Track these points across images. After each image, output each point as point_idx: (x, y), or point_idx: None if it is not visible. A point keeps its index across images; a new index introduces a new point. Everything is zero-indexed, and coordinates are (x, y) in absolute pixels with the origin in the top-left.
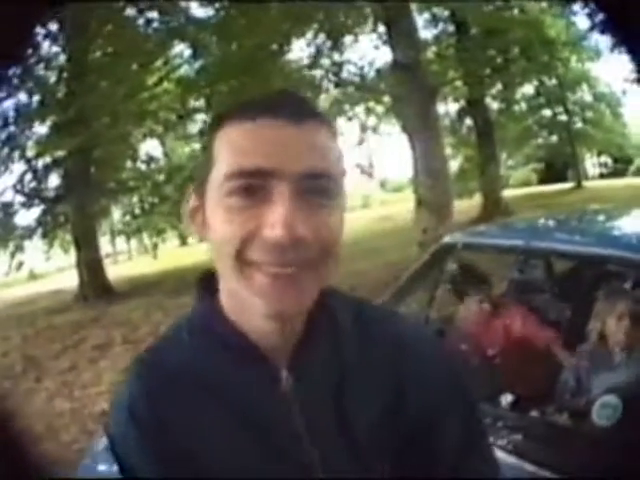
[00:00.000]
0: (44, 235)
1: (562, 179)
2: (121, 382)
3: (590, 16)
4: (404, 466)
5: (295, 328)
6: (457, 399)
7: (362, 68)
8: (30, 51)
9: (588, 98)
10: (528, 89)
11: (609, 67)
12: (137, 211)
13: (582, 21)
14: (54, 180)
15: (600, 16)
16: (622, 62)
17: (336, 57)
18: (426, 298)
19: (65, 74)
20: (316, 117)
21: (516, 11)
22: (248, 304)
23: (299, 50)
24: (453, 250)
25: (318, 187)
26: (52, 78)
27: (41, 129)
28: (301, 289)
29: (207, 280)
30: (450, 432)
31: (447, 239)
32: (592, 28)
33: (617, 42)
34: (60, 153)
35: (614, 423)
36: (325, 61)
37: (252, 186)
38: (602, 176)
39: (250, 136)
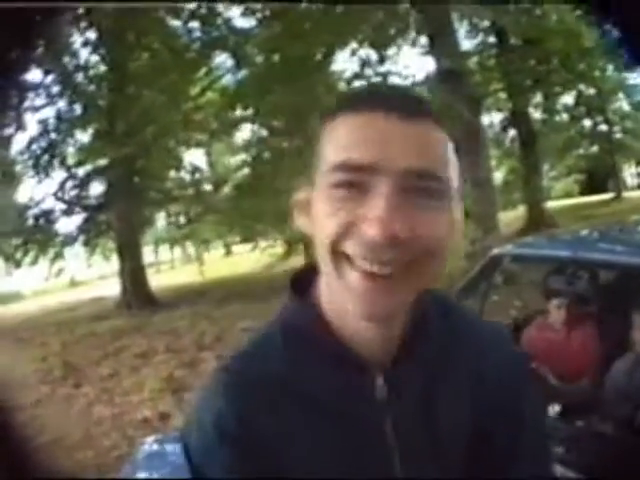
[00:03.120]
0: (86, 243)
1: (603, 189)
2: (203, 391)
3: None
4: (476, 470)
5: (394, 333)
6: (532, 403)
7: (406, 78)
8: (68, 58)
9: (626, 107)
10: (568, 99)
11: None
12: (182, 220)
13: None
14: (96, 188)
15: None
16: None
17: (380, 68)
18: (476, 309)
19: (106, 83)
20: (429, 117)
21: (554, 21)
22: (347, 304)
23: (343, 61)
24: (502, 261)
25: (422, 186)
26: (92, 87)
27: (82, 137)
28: (395, 292)
29: (299, 280)
30: (525, 440)
31: (496, 251)
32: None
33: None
34: (102, 162)
35: None
36: (369, 72)
37: (356, 179)
38: None
39: (358, 129)
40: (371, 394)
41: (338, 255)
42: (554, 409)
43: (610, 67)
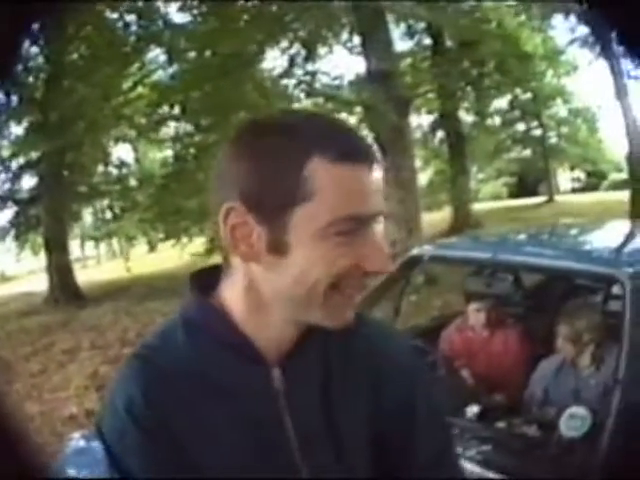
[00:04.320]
0: (16, 237)
1: (533, 193)
2: (117, 378)
3: (572, 30)
4: (380, 469)
5: (297, 331)
6: (428, 408)
7: (335, 79)
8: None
9: (563, 113)
10: (502, 103)
11: (585, 82)
12: (108, 216)
13: (560, 36)
14: (27, 182)
15: (582, 30)
16: (598, 77)
17: (309, 67)
18: (392, 309)
19: (43, 75)
20: (378, 159)
21: (493, 25)
22: (271, 310)
23: (273, 59)
24: (420, 262)
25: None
26: (30, 78)
27: (17, 130)
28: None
29: (200, 278)
30: (421, 438)
31: (415, 251)
32: (572, 42)
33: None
34: (34, 155)
35: (582, 434)
36: (298, 71)
37: (357, 227)
38: (574, 190)
39: (356, 181)
40: (269, 385)
41: (331, 288)
42: (472, 410)
43: (549, 73)
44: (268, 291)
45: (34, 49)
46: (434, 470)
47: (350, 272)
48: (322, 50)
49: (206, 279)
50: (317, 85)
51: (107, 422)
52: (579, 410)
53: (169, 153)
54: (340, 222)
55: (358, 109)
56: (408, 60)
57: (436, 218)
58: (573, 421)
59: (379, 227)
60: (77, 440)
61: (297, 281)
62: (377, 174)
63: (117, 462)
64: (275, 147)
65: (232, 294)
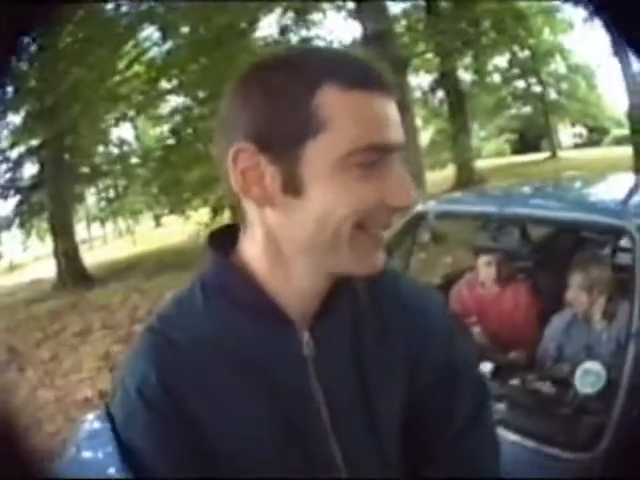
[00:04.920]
0: (21, 225)
1: (536, 149)
2: (130, 353)
3: None
4: (414, 436)
5: (325, 287)
6: (467, 366)
7: (331, 43)
8: None
9: (562, 70)
10: (501, 61)
11: (583, 39)
12: (111, 195)
13: None
14: (29, 169)
15: None
16: (596, 35)
17: (304, 33)
18: (400, 267)
19: (37, 63)
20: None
21: None
22: (294, 261)
23: (268, 28)
24: (425, 218)
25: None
26: (24, 68)
27: (15, 119)
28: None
29: (218, 237)
30: (462, 398)
31: (419, 207)
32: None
33: (591, 14)
34: (34, 142)
35: (597, 390)
36: (293, 37)
37: (377, 159)
38: (577, 146)
39: (372, 109)
40: (298, 351)
41: (356, 228)
42: (485, 368)
43: (546, 30)
44: (288, 239)
45: (26, 38)
46: (471, 429)
47: (375, 209)
48: (316, 16)
49: (225, 237)
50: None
51: (116, 402)
52: (594, 366)
53: (166, 128)
54: (359, 153)
55: None
56: (403, 22)
57: (440, 177)
58: (588, 377)
59: (400, 163)
60: (91, 422)
61: (318, 222)
62: (394, 106)
63: (125, 446)
64: (283, 81)
65: (252, 250)
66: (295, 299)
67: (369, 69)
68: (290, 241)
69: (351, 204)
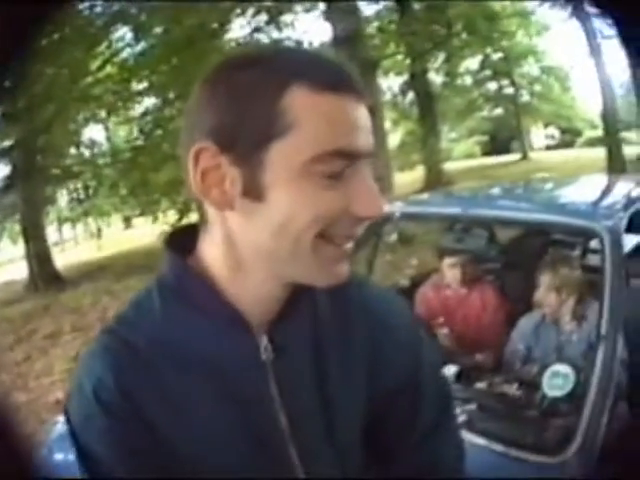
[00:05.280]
0: None
1: (507, 151)
2: (86, 355)
3: None
4: (375, 443)
5: (285, 293)
6: (430, 369)
7: (301, 44)
8: None
9: (535, 72)
10: (473, 63)
11: (557, 41)
12: (82, 196)
13: None
14: (1, 170)
15: None
16: (570, 36)
17: (275, 34)
18: (365, 268)
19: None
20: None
21: None
22: (253, 267)
23: (239, 29)
24: (391, 220)
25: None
26: None
27: None
28: (348, 259)
29: (175, 238)
30: (425, 407)
31: (385, 208)
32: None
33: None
34: (6, 143)
35: (566, 393)
36: (264, 39)
37: (344, 166)
38: (549, 148)
39: (342, 112)
40: (256, 355)
41: (319, 237)
42: (450, 371)
43: (520, 32)
44: (247, 244)
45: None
46: (433, 435)
47: (339, 218)
48: (287, 17)
49: (183, 239)
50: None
51: (73, 404)
52: (562, 368)
53: (136, 129)
54: (324, 158)
55: None
56: (375, 24)
57: (408, 179)
58: (556, 379)
59: (369, 170)
60: (62, 423)
61: (278, 229)
62: (365, 111)
63: (83, 449)
64: (250, 80)
65: (210, 252)
66: (254, 304)
67: (341, 71)
68: (249, 246)
69: (313, 212)
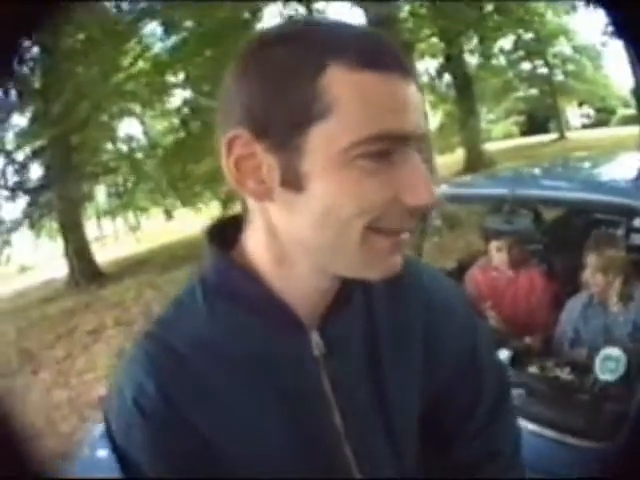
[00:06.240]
0: (31, 226)
1: (544, 131)
2: (126, 360)
3: None
4: (433, 424)
5: (335, 284)
6: (488, 354)
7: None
8: None
9: (567, 51)
10: (506, 43)
11: (587, 20)
12: (121, 191)
13: None
14: (36, 171)
15: None
16: (599, 16)
17: None
18: (413, 252)
19: (40, 65)
20: (413, 72)
21: None
22: (298, 260)
23: (271, 18)
24: (437, 204)
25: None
26: (25, 70)
27: (20, 121)
28: (402, 250)
29: (217, 233)
30: (485, 390)
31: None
32: None
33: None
34: (39, 143)
35: (618, 377)
36: None
37: (390, 150)
38: (585, 127)
39: (387, 93)
40: (307, 352)
41: (369, 229)
42: (503, 355)
43: (549, 13)
44: (290, 236)
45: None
46: (492, 423)
47: (388, 208)
48: (320, 5)
49: (225, 231)
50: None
51: (113, 411)
52: (614, 351)
53: (175, 122)
54: (367, 142)
55: None
56: (406, 7)
57: (450, 161)
58: (608, 363)
59: (420, 155)
60: None
61: (322, 222)
62: (414, 89)
63: (124, 458)
64: (284, 59)
65: (254, 244)
66: (303, 297)
67: (385, 47)
68: (293, 239)
69: (359, 202)
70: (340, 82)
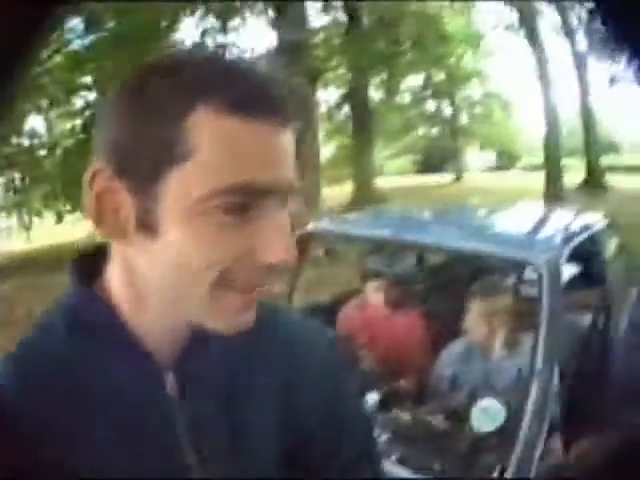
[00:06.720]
0: None
1: (440, 171)
2: None
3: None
4: (298, 464)
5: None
6: (350, 404)
7: (246, 51)
8: None
9: (478, 95)
10: (415, 80)
11: (503, 65)
12: (18, 186)
13: (482, 18)
14: None
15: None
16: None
17: (221, 39)
18: (289, 285)
19: None
20: (291, 118)
21: (414, 5)
22: (153, 301)
23: (187, 29)
24: (317, 239)
25: (288, 199)
26: None
27: None
28: (255, 307)
29: (82, 262)
30: (345, 441)
31: (311, 226)
32: (496, 26)
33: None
34: None
35: (495, 428)
36: (209, 41)
37: (250, 202)
38: (485, 170)
39: (253, 142)
40: (160, 390)
41: (219, 284)
42: (372, 398)
43: (469, 54)
44: (145, 279)
45: None
46: (354, 470)
47: (242, 263)
48: (236, 22)
49: (92, 262)
50: (227, 57)
51: None
52: (491, 403)
53: (77, 123)
54: (223, 194)
55: None
56: (321, 35)
57: (338, 192)
58: (485, 415)
59: (284, 209)
60: None
61: (172, 271)
62: (287, 138)
63: None
64: (154, 92)
65: (115, 279)
66: (158, 337)
67: (262, 91)
68: (146, 282)
69: (209, 255)
70: (204, 126)
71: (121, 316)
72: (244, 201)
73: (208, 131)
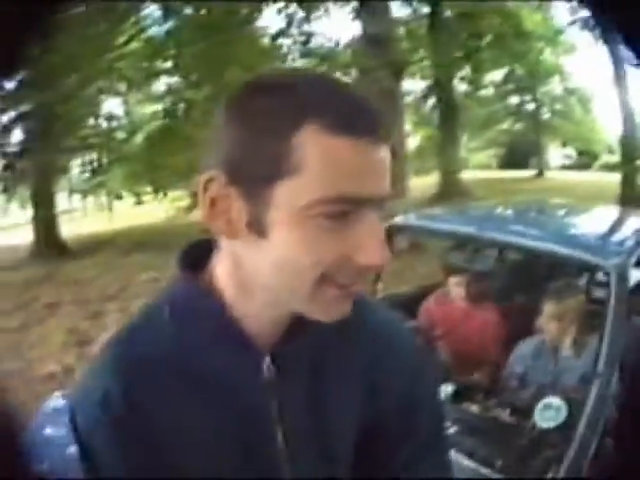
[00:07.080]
0: (4, 190)
1: (522, 166)
2: (94, 363)
3: (574, 11)
4: (366, 455)
5: (288, 313)
6: (428, 394)
7: (331, 40)
8: None
9: (558, 90)
10: (497, 75)
11: (583, 63)
12: (95, 168)
13: (560, 15)
14: (18, 136)
15: (582, 12)
16: (597, 59)
17: (305, 27)
18: (373, 276)
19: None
20: (388, 135)
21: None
22: (257, 292)
23: (269, 18)
24: (402, 232)
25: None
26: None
27: (8, 85)
28: (352, 299)
29: (189, 255)
30: (419, 428)
31: (398, 220)
32: (572, 23)
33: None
34: (24, 108)
35: (556, 425)
36: (294, 30)
37: (348, 210)
38: (565, 167)
39: (354, 158)
40: (258, 374)
41: (321, 281)
42: (446, 390)
43: (548, 51)
44: (252, 272)
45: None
46: (423, 458)
47: (341, 264)
48: (319, 12)
49: (198, 253)
50: (312, 46)
51: (80, 410)
52: (555, 400)
53: (159, 108)
54: (327, 203)
55: (353, 72)
56: (405, 27)
57: (424, 183)
58: (548, 411)
59: (377, 215)
60: (56, 398)
61: (278, 267)
62: (384, 153)
63: (87, 455)
64: (264, 110)
65: (221, 269)
66: (258, 324)
67: (362, 112)
68: (253, 274)
69: (313, 256)
70: (312, 143)
71: (224, 304)
72: (343, 209)
73: (315, 148)
